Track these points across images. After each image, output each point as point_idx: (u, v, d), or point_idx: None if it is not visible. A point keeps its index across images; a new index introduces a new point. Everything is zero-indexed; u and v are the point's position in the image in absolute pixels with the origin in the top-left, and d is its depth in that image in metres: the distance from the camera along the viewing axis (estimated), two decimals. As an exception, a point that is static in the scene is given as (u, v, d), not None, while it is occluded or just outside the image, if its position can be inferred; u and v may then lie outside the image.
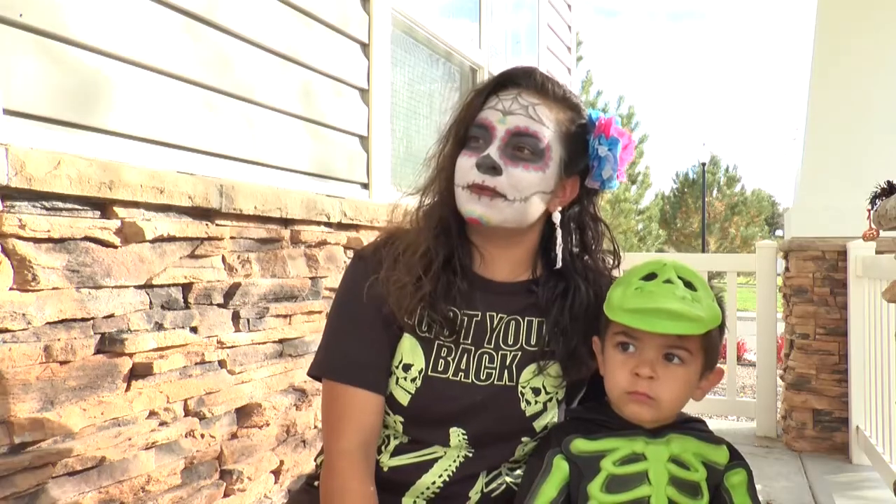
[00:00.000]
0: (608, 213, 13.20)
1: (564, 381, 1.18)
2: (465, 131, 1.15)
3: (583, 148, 1.16)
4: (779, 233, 24.35)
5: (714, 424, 3.38)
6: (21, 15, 1.34)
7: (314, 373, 1.19)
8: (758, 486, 1.15)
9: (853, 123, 3.65)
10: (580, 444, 1.08)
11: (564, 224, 1.18)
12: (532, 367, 1.16)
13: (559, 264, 1.17)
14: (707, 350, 1.10)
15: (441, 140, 1.20)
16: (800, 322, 3.57)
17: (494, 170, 1.09)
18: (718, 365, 1.16)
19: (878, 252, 2.99)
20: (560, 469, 1.07)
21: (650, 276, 1.09)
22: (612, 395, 1.12)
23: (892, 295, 1.57)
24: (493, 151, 1.10)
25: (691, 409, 1.19)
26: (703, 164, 23.14)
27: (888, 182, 1.58)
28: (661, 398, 1.07)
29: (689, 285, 1.08)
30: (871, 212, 1.60)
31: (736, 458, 1.12)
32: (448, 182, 1.16)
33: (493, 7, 3.90)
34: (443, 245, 1.15)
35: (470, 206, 1.10)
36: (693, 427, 1.13)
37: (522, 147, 1.10)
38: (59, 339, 1.36)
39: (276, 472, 2.04)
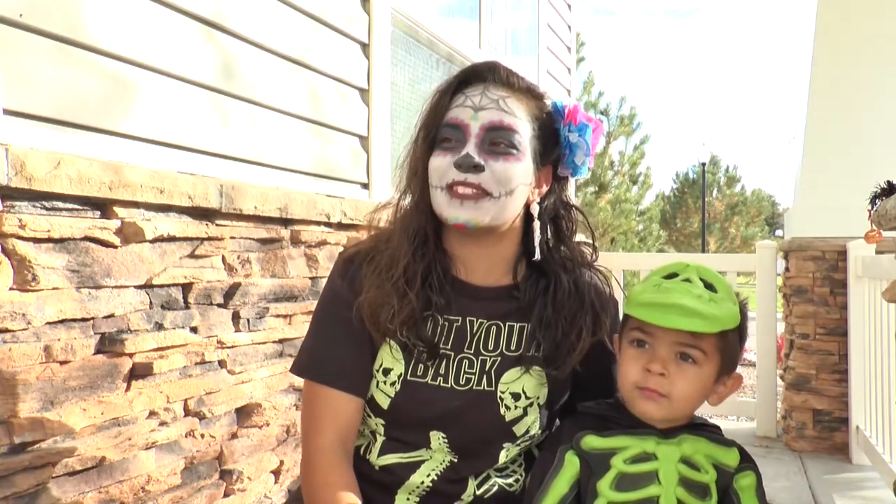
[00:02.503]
0: (608, 213, 13.18)
1: (547, 382, 1.17)
2: (434, 132, 1.13)
3: (553, 137, 1.16)
4: (779, 233, 24.33)
5: (714, 424, 3.36)
6: (21, 15, 1.34)
7: (296, 371, 1.20)
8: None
9: (853, 123, 3.64)
10: (591, 441, 1.08)
11: (541, 215, 1.18)
12: (511, 372, 1.15)
13: (538, 256, 1.16)
14: (723, 352, 1.10)
15: (410, 144, 1.18)
16: (800, 322, 3.57)
17: (476, 168, 1.07)
18: (738, 372, 1.15)
19: (878, 252, 2.98)
20: (571, 464, 1.08)
21: (671, 276, 1.10)
22: (624, 391, 1.12)
23: (892, 295, 1.57)
24: (471, 150, 1.08)
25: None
26: (703, 164, 23.11)
27: (888, 182, 1.58)
28: (672, 396, 1.07)
29: (709, 286, 1.08)
30: (871, 212, 1.59)
31: (746, 461, 1.12)
32: (423, 186, 1.14)
33: (493, 7, 3.90)
34: (420, 259, 1.13)
35: (452, 212, 1.09)
36: (706, 430, 1.13)
37: (499, 142, 1.09)
38: (59, 339, 1.36)
39: (276, 472, 2.04)
